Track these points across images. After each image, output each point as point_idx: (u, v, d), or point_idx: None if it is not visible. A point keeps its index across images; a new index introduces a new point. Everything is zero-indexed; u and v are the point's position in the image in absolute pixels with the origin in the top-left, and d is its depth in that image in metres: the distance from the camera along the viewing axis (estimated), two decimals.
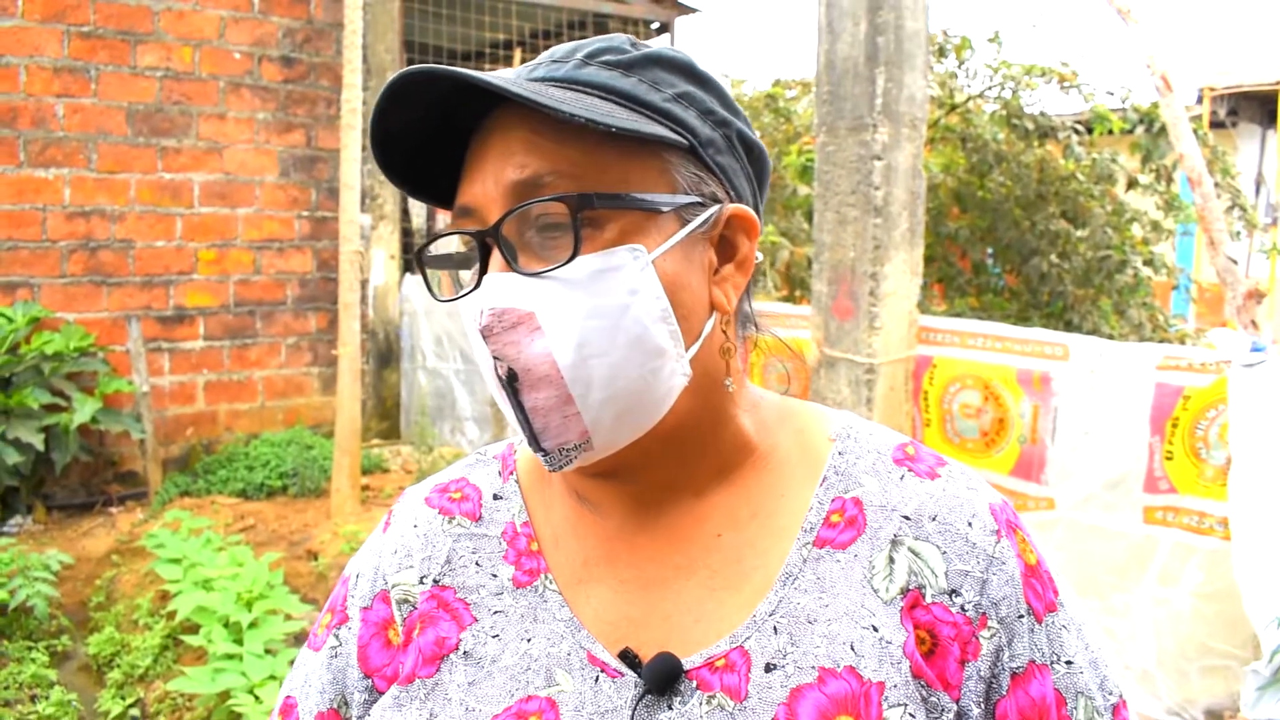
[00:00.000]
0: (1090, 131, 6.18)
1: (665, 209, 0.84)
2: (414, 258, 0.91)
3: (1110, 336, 5.70)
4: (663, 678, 0.83)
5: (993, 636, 0.85)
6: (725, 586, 0.88)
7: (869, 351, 4.13)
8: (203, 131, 6.24)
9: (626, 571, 0.91)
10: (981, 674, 0.84)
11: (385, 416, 7.19)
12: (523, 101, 0.78)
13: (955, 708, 0.83)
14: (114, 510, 5.82)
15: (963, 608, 0.85)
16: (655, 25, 8.83)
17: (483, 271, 0.83)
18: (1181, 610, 3.62)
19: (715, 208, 0.87)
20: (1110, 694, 0.91)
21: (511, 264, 0.82)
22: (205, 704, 3.56)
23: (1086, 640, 0.91)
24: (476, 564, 0.95)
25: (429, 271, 0.92)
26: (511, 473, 1.00)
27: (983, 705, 0.85)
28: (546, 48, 9.17)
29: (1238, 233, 6.23)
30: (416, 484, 1.06)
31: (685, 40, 8.43)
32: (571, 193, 0.80)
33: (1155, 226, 6.21)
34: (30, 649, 4.12)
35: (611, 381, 0.81)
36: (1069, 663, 0.89)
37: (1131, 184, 6.10)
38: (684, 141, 0.85)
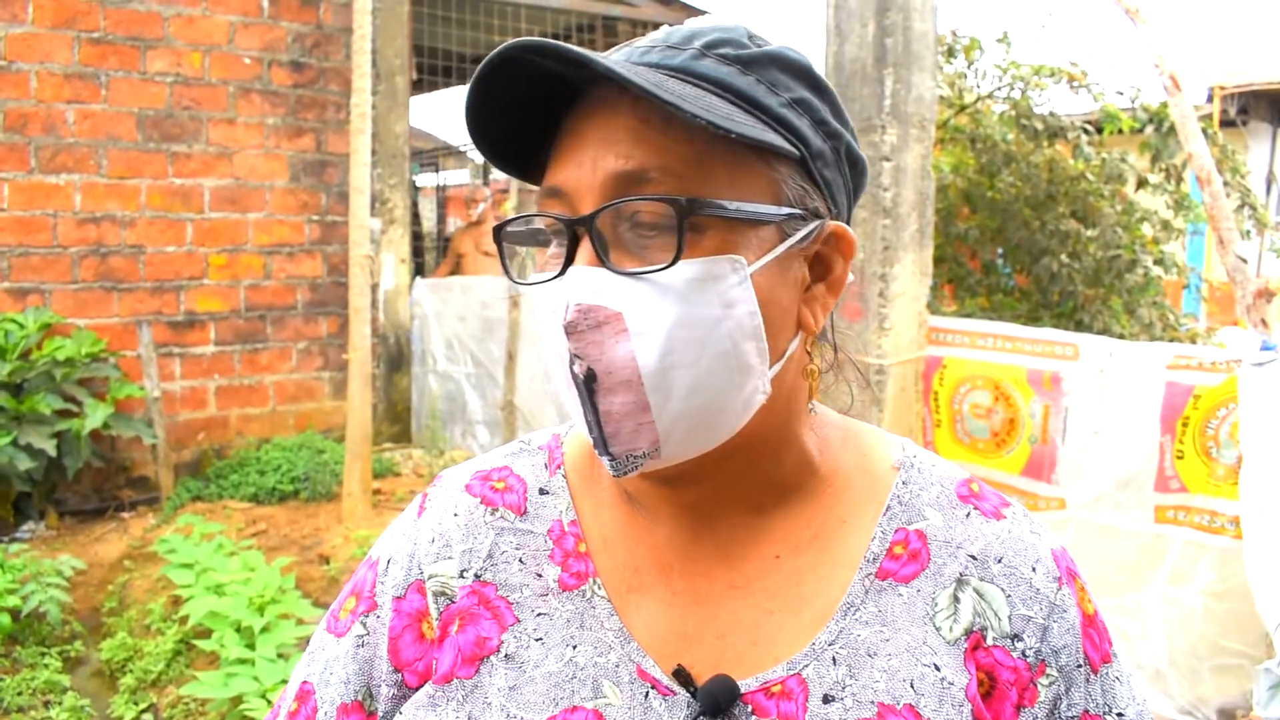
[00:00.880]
0: (1100, 131, 6.16)
1: (768, 221, 0.80)
2: (493, 233, 0.87)
3: (1121, 336, 5.68)
4: (719, 700, 0.81)
5: (1051, 684, 0.84)
6: (783, 610, 0.86)
7: (879, 352, 4.13)
8: (213, 137, 6.26)
9: (679, 583, 0.88)
10: None
11: (396, 420, 7.21)
12: (642, 94, 0.73)
13: None
14: (126, 515, 5.84)
15: (1024, 653, 0.84)
16: (665, 27, 8.84)
17: (569, 261, 0.79)
18: (1193, 609, 3.61)
19: (816, 223, 0.83)
20: None
21: (603, 259, 0.77)
22: (218, 708, 3.56)
23: (1134, 692, 0.90)
24: (520, 561, 0.90)
25: (506, 249, 0.87)
26: (559, 466, 0.96)
27: None
28: None
29: (1248, 231, 6.21)
30: (453, 468, 1.00)
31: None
32: (679, 195, 0.76)
33: (1165, 226, 6.19)
34: (43, 655, 4.14)
35: (692, 394, 0.77)
36: (1120, 715, 0.87)
37: (1141, 183, 6.08)
38: (795, 152, 0.80)
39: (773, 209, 0.80)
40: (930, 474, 0.92)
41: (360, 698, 0.93)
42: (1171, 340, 5.85)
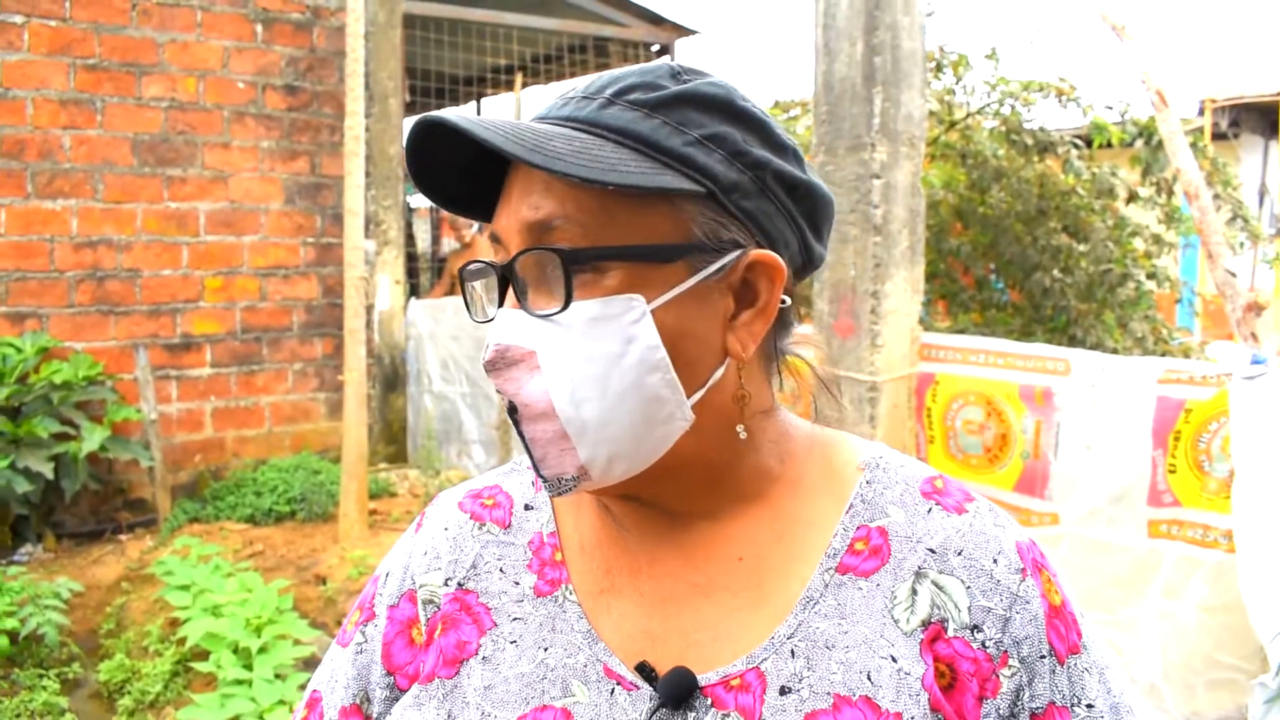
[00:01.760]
0: (1089, 145, 6.20)
1: (670, 258, 0.83)
2: (457, 274, 0.95)
3: (1114, 350, 5.71)
4: (678, 692, 0.84)
5: (1013, 675, 0.85)
6: (745, 607, 0.88)
7: (871, 369, 4.15)
8: (208, 161, 6.30)
9: (647, 585, 0.91)
10: (1000, 712, 0.85)
11: (392, 441, 7.22)
12: (517, 159, 0.79)
13: None
14: (123, 538, 5.84)
15: (984, 644, 0.85)
16: (655, 48, 8.89)
17: (500, 302, 0.85)
18: (1187, 624, 3.62)
19: (732, 255, 0.85)
20: None
21: (522, 301, 0.84)
22: None
23: (1109, 684, 0.91)
24: (500, 570, 0.96)
25: (466, 288, 0.93)
26: None
27: None
28: (548, 72, 9.27)
29: (1241, 244, 6.24)
30: (451, 488, 1.07)
31: (685, 63, 8.44)
32: (570, 244, 0.81)
33: (1157, 240, 6.23)
34: (41, 677, 4.14)
35: (604, 425, 0.82)
36: (1089, 706, 0.88)
37: (1132, 197, 6.12)
38: (700, 189, 0.83)
39: (671, 247, 0.83)
40: (896, 473, 0.94)
41: (359, 701, 0.99)
42: (1164, 354, 5.87)
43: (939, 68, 6.36)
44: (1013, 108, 6.29)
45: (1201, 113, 11.44)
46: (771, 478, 0.93)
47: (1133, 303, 5.99)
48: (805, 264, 0.93)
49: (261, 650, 3.88)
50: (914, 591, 0.86)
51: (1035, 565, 0.89)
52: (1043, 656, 0.86)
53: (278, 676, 3.76)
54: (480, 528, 0.99)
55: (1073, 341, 5.74)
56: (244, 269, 6.46)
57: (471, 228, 9.27)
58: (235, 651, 3.90)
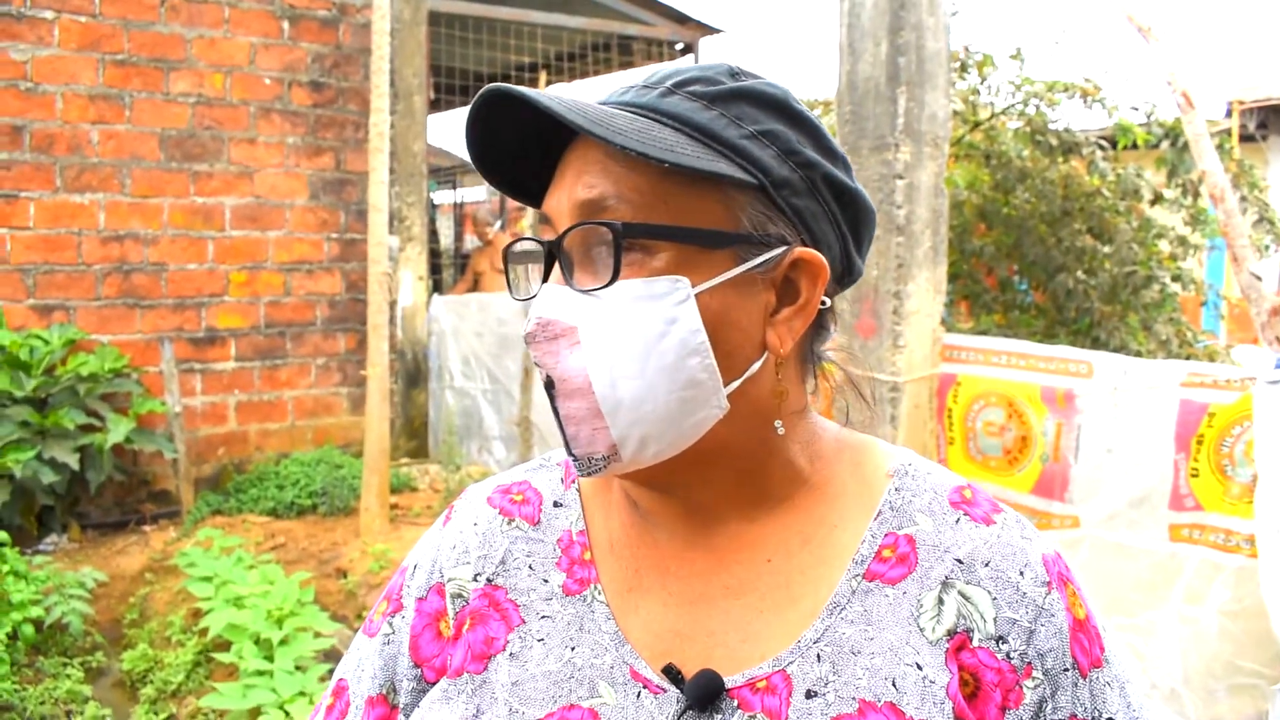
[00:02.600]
0: (1115, 146, 6.17)
1: (718, 245, 0.84)
2: (502, 254, 0.97)
3: (1137, 353, 5.68)
4: (705, 694, 0.85)
5: (1037, 687, 0.85)
6: (772, 610, 0.89)
7: (893, 369, 4.15)
8: (234, 156, 6.34)
9: (675, 585, 0.92)
10: None
11: (413, 436, 7.25)
12: (582, 130, 0.80)
13: None
14: (147, 529, 5.89)
15: (1008, 655, 0.85)
16: (679, 46, 8.89)
17: (545, 279, 0.87)
18: (1208, 629, 3.59)
19: (779, 250, 0.86)
20: None
21: (567, 278, 0.85)
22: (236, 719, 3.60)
23: (1129, 698, 0.91)
24: (530, 567, 0.96)
25: (511, 269, 0.94)
26: (574, 481, 1.02)
27: None
28: (572, 70, 9.28)
29: (1267, 246, 6.20)
30: (478, 482, 1.08)
31: (708, 61, 8.45)
32: (617, 220, 0.82)
33: (1182, 241, 6.19)
34: (65, 665, 4.18)
35: (640, 404, 0.83)
36: (1110, 719, 0.89)
37: (1157, 199, 6.08)
38: (752, 180, 0.85)
39: (719, 233, 0.84)
40: (924, 481, 0.94)
41: (385, 691, 1.00)
42: (1188, 357, 5.84)
43: (963, 68, 6.34)
44: (1037, 108, 6.26)
45: (1229, 115, 11.34)
46: (801, 479, 0.93)
47: (1157, 305, 5.96)
48: (845, 274, 0.95)
49: (283, 642, 3.91)
50: (940, 601, 0.87)
51: (1061, 579, 0.90)
52: (1066, 669, 0.87)
53: (298, 668, 3.79)
54: (509, 523, 1.00)
55: (1096, 344, 5.72)
56: (268, 264, 6.50)
57: (494, 226, 9.31)
58: (257, 643, 3.93)
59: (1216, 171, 3.65)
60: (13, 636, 4.14)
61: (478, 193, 13.27)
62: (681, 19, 8.71)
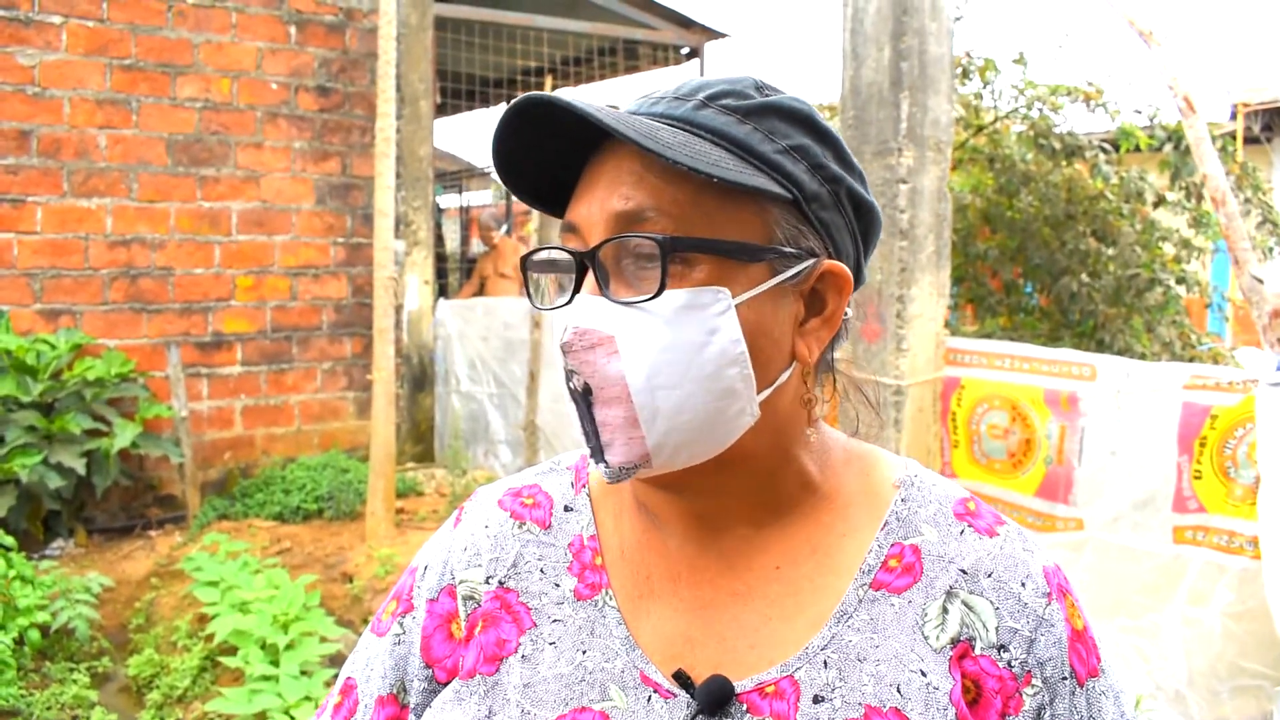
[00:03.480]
0: (1118, 150, 6.17)
1: (756, 258, 0.86)
2: (519, 262, 0.97)
3: (1142, 355, 5.67)
4: (714, 699, 0.86)
5: (1036, 694, 0.88)
6: (780, 617, 0.91)
7: (896, 373, 4.15)
8: (240, 161, 6.36)
9: (686, 590, 0.94)
10: None
11: (419, 440, 7.27)
12: (631, 143, 0.81)
13: None
14: (153, 533, 5.91)
15: (1009, 663, 0.88)
16: (685, 51, 8.90)
17: (576, 289, 0.88)
18: (1212, 630, 3.59)
19: (810, 262, 0.89)
20: None
21: (603, 288, 0.86)
22: None
23: (1123, 707, 0.94)
24: (541, 571, 0.98)
25: (530, 277, 0.95)
26: (584, 485, 1.03)
27: None
28: (577, 75, 9.30)
29: (1270, 249, 6.19)
30: (488, 485, 1.09)
31: (714, 66, 8.47)
32: (665, 234, 0.83)
33: (1186, 244, 6.19)
34: (72, 670, 4.20)
35: (677, 413, 0.84)
36: None
37: (1160, 201, 6.08)
38: (787, 195, 0.87)
39: (759, 247, 0.86)
40: (930, 492, 0.96)
41: (395, 691, 1.01)
42: (1192, 359, 5.83)
43: (966, 73, 6.35)
44: (1041, 112, 6.26)
45: (1234, 117, 11.33)
46: (811, 488, 0.95)
47: (1161, 308, 5.96)
48: (856, 283, 0.96)
49: (288, 647, 3.92)
50: (945, 610, 0.89)
51: (1060, 590, 0.92)
52: (1064, 678, 0.89)
53: (304, 673, 3.79)
54: (520, 527, 1.01)
55: (1100, 346, 5.72)
56: (275, 268, 6.52)
57: (499, 230, 9.32)
58: (262, 648, 3.94)
59: (1218, 175, 3.65)
60: (19, 641, 4.15)
61: (484, 197, 13.29)
62: (687, 23, 8.72)
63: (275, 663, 3.82)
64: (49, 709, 3.87)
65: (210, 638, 4.14)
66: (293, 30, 6.52)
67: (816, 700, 0.86)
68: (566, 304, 0.88)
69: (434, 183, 7.48)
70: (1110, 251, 6.02)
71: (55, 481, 5.22)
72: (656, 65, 9.02)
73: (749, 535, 0.94)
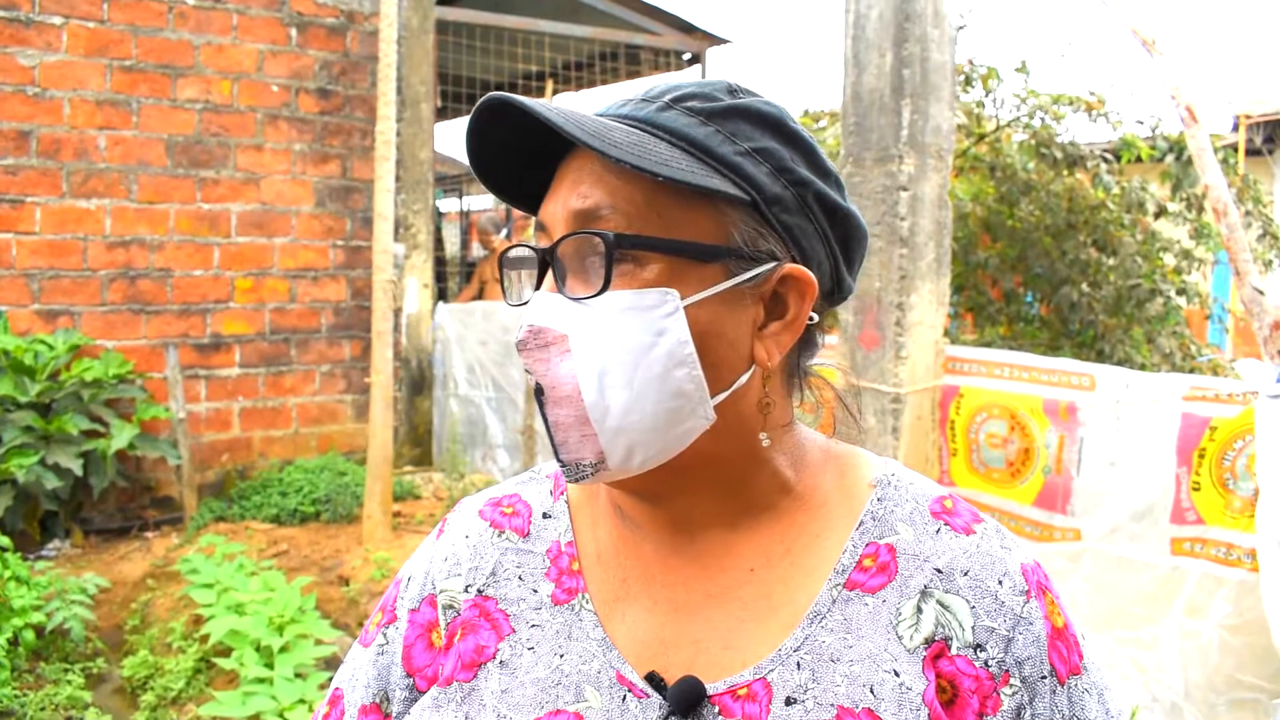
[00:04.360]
0: (1119, 160, 6.17)
1: (710, 259, 0.85)
2: (498, 260, 0.98)
3: (1141, 366, 5.67)
4: (686, 701, 0.86)
5: (1014, 694, 0.87)
6: (754, 619, 0.90)
7: (895, 381, 4.15)
8: (240, 163, 6.36)
9: (661, 593, 0.93)
10: None
11: (417, 443, 7.26)
12: (577, 141, 0.81)
13: None
14: (150, 535, 5.90)
15: (986, 663, 0.87)
16: (687, 56, 8.90)
17: (538, 286, 0.88)
18: (1210, 642, 3.59)
19: (768, 265, 0.88)
20: None
21: (560, 286, 0.86)
22: None
23: (1108, 705, 0.93)
24: (519, 578, 0.98)
25: (505, 274, 0.97)
26: (563, 493, 1.03)
27: None
28: (579, 79, 9.31)
29: (1270, 261, 6.19)
30: (471, 495, 1.09)
31: (716, 71, 8.49)
32: (609, 231, 0.84)
33: (1186, 255, 6.19)
34: (66, 671, 4.18)
35: (627, 413, 0.84)
36: None
37: (1161, 212, 6.08)
38: (744, 197, 0.86)
39: (710, 247, 0.86)
40: (906, 491, 0.96)
41: (378, 700, 1.02)
42: (1192, 370, 5.83)
43: (968, 80, 6.35)
44: (1043, 121, 6.27)
45: (1236, 128, 11.34)
46: (786, 490, 0.94)
47: (1161, 318, 5.96)
48: (835, 291, 0.96)
49: (283, 649, 3.91)
50: (919, 609, 0.88)
51: (1039, 587, 0.91)
52: (1044, 677, 0.88)
53: (299, 675, 3.79)
54: (499, 535, 1.01)
55: (1100, 356, 5.71)
56: (274, 270, 6.52)
57: (499, 234, 9.32)
58: (257, 650, 3.93)
59: (1219, 186, 3.65)
60: (14, 642, 4.14)
61: (484, 201, 13.30)
62: (689, 29, 8.72)
63: (270, 665, 3.81)
64: (43, 710, 3.86)
65: (205, 639, 4.13)
66: (294, 32, 6.52)
67: (789, 702, 0.85)
68: (527, 302, 0.89)
69: (434, 186, 7.48)
70: (1111, 261, 6.02)
71: (52, 482, 5.21)
72: (658, 71, 9.01)
73: (723, 537, 0.93)
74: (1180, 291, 6.08)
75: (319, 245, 6.67)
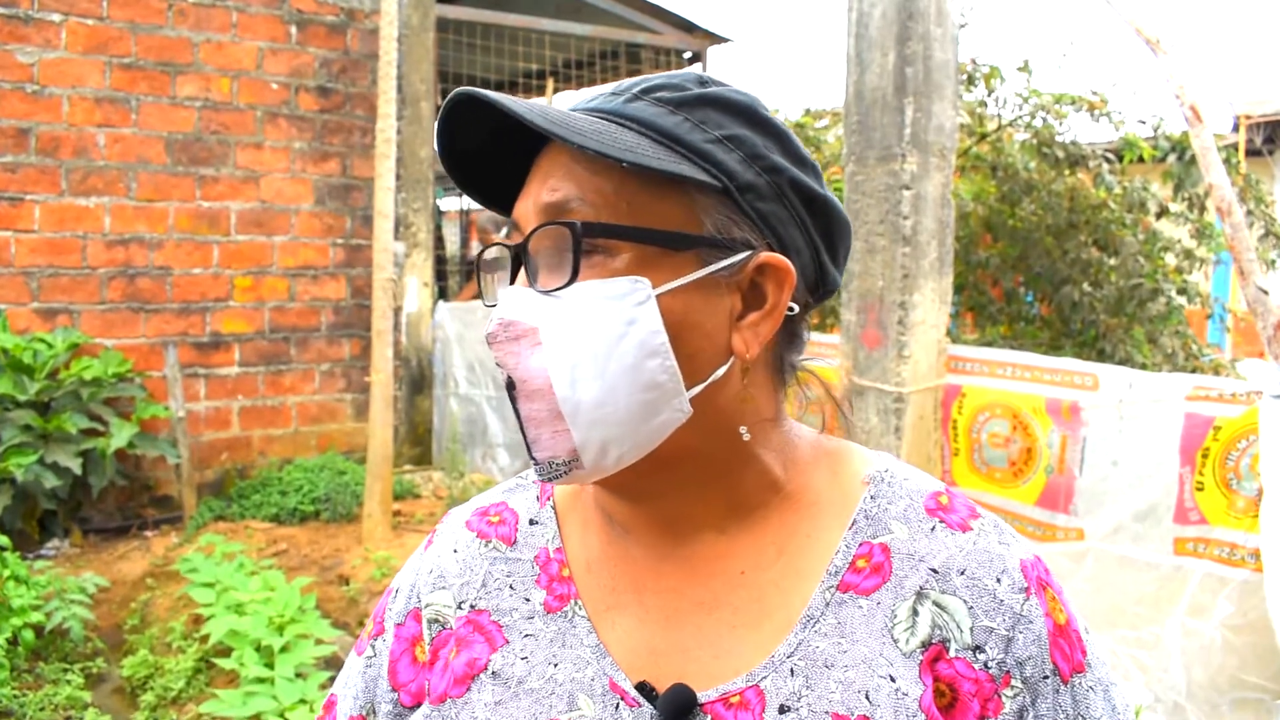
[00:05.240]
0: (1121, 159, 6.17)
1: (681, 247, 0.84)
2: (474, 260, 0.97)
3: (1143, 366, 5.66)
4: (677, 710, 0.85)
5: (1016, 695, 0.85)
6: (746, 624, 0.88)
7: (898, 380, 4.13)
8: (240, 161, 6.35)
9: (652, 600, 0.92)
10: None
11: (417, 443, 7.24)
12: (540, 129, 0.81)
13: None
14: (149, 534, 5.89)
15: (986, 665, 0.84)
16: (688, 55, 8.90)
17: (512, 283, 0.87)
18: (1213, 642, 3.58)
19: (743, 254, 0.86)
20: None
21: (532, 281, 0.85)
22: None
23: (1113, 701, 0.90)
24: (510, 588, 0.96)
25: (482, 276, 0.95)
26: (549, 499, 1.02)
27: None
28: (579, 78, 9.30)
29: (1273, 261, 6.19)
30: (460, 505, 1.08)
31: (717, 70, 8.45)
32: (576, 220, 0.82)
33: (1188, 255, 6.18)
34: (66, 671, 4.17)
35: (600, 406, 0.82)
36: None
37: (1162, 212, 6.07)
38: (715, 183, 0.84)
39: (680, 235, 0.84)
40: (901, 488, 0.93)
41: (365, 712, 1.02)
42: (1194, 370, 5.82)
43: (971, 79, 6.34)
44: (1045, 120, 6.26)
45: (1237, 129, 11.34)
46: (775, 488, 0.92)
47: (1163, 318, 5.95)
48: (819, 283, 0.93)
49: (283, 649, 3.90)
50: (915, 612, 0.86)
51: (1040, 583, 0.89)
52: (1046, 676, 0.86)
53: (299, 675, 3.78)
54: (486, 545, 1.00)
55: (1102, 356, 5.70)
56: (273, 269, 6.50)
57: (498, 234, 9.31)
58: (257, 649, 3.92)
59: (1224, 185, 3.63)
60: (13, 642, 4.13)
61: None
62: (689, 27, 8.72)
63: (270, 665, 3.80)
64: (42, 710, 3.85)
65: (205, 639, 4.12)
66: (293, 30, 6.50)
67: (783, 710, 0.84)
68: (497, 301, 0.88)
69: (434, 185, 7.47)
70: (1112, 261, 6.01)
71: (51, 481, 5.19)
72: (659, 69, 9.00)
73: (713, 540, 0.91)
74: (1181, 291, 6.07)
75: (319, 244, 6.66)
